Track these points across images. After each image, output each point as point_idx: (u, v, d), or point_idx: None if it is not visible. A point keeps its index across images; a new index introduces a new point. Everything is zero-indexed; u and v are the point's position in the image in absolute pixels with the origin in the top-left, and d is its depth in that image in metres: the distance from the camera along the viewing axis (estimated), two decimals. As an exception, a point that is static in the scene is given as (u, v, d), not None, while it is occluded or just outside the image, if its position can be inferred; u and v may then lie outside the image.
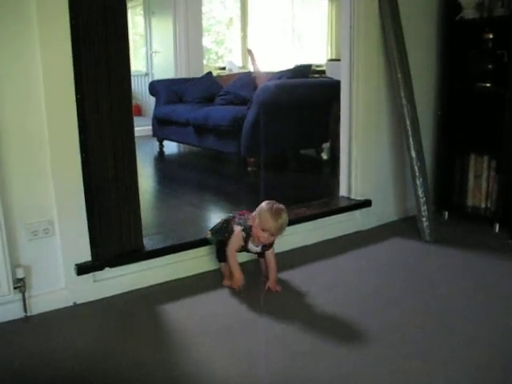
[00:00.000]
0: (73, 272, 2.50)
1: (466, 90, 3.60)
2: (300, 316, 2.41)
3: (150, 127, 6.32)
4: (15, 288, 2.33)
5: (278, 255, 2.72)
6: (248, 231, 2.58)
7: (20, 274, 2.34)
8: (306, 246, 3.23)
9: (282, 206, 2.57)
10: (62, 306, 2.50)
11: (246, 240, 2.60)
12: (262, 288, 2.63)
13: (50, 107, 2.32)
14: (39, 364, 2.08)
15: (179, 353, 2.15)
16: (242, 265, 2.69)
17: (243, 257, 2.79)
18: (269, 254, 2.66)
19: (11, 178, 2.30)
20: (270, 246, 2.64)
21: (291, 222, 3.12)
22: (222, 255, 2.68)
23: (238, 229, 2.61)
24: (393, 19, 3.31)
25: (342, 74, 3.50)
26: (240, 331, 2.27)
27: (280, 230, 2.55)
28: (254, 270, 2.81)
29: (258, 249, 2.63)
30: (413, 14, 3.50)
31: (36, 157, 2.35)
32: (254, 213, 2.58)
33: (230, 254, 2.61)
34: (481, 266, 2.94)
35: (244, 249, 2.64)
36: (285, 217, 2.54)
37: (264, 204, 2.56)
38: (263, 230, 2.51)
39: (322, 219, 3.32)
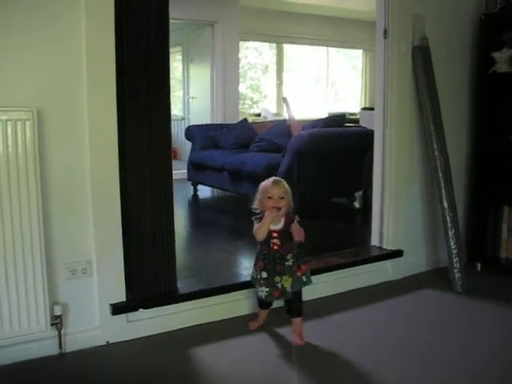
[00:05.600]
0: (107, 312, 2.56)
1: (499, 143, 3.62)
2: (324, 366, 2.42)
3: (185, 171, 6.43)
4: (52, 325, 2.40)
5: (306, 303, 2.73)
6: (260, 217, 2.58)
7: (57, 311, 2.41)
8: (336, 295, 3.23)
9: (278, 178, 2.72)
10: (95, 344, 2.55)
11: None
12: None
13: (94, 154, 2.45)
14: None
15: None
16: (274, 310, 2.72)
17: (276, 303, 2.81)
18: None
19: (54, 217, 2.40)
20: (289, 220, 2.60)
21: (322, 271, 3.17)
22: (260, 303, 2.75)
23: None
24: (426, 72, 3.38)
25: (375, 125, 3.56)
26: (265, 379, 2.28)
27: (284, 193, 2.56)
28: (281, 319, 2.81)
29: (281, 225, 2.58)
30: (446, 67, 3.56)
31: (78, 199, 2.46)
32: (256, 198, 2.63)
33: (257, 228, 2.58)
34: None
35: (268, 234, 2.57)
36: (284, 183, 2.62)
37: (264, 181, 2.66)
38: (269, 198, 2.55)
39: (352, 268, 3.34)
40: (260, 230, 2.56)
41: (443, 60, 3.53)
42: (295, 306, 2.63)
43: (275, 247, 2.59)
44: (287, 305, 2.68)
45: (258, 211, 2.61)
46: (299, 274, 2.61)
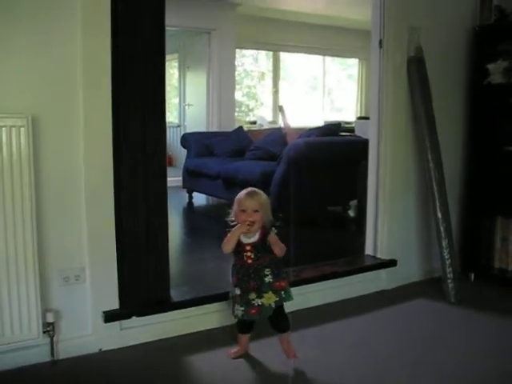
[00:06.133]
0: (100, 319, 2.56)
1: (493, 154, 3.64)
2: (317, 375, 2.42)
3: (181, 178, 6.44)
4: (44, 332, 2.39)
5: (299, 312, 2.73)
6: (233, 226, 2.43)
7: (50, 318, 2.41)
8: (329, 304, 3.23)
9: (255, 188, 2.50)
10: (88, 351, 2.55)
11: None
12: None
13: (88, 161, 2.45)
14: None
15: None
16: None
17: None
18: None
19: (47, 224, 2.40)
20: (266, 231, 2.42)
21: (316, 280, 3.17)
22: (240, 326, 2.56)
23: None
24: (421, 83, 3.40)
25: (370, 134, 3.58)
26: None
27: (259, 206, 2.39)
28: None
29: (255, 238, 2.41)
30: (440, 78, 3.58)
31: (72, 205, 2.46)
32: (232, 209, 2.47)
33: (225, 240, 2.43)
34: (506, 331, 2.92)
35: (240, 248, 2.43)
36: (260, 195, 2.45)
37: (241, 191, 2.49)
38: (242, 211, 2.39)
39: (346, 277, 3.34)
40: (227, 243, 2.41)
41: (438, 71, 3.55)
42: (281, 322, 2.50)
43: (249, 261, 2.42)
44: (271, 320, 2.50)
45: (235, 223, 2.44)
46: (279, 289, 2.44)
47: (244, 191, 2.47)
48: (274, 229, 2.47)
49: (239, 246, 2.43)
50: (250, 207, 2.40)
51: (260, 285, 2.41)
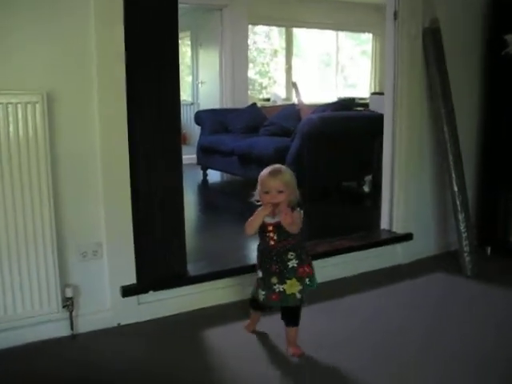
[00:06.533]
0: (118, 294, 2.58)
1: (510, 126, 3.60)
2: (334, 347, 2.44)
3: (195, 155, 6.44)
4: (64, 306, 2.43)
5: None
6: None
7: (69, 293, 2.44)
8: (345, 278, 3.24)
9: (281, 166, 2.31)
10: (106, 326, 2.58)
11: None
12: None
13: (104, 136, 2.46)
14: (84, 380, 2.16)
15: (216, 376, 2.21)
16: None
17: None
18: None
19: (64, 201, 2.42)
20: (288, 217, 2.20)
21: (331, 254, 3.17)
22: (252, 302, 2.48)
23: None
24: (436, 55, 3.35)
25: (385, 108, 3.55)
26: (276, 360, 2.29)
27: (283, 186, 2.21)
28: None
29: (278, 218, 2.22)
30: (457, 49, 3.53)
31: (89, 182, 2.47)
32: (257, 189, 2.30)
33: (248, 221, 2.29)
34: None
35: (263, 228, 2.27)
36: (284, 173, 2.25)
37: (264, 169, 2.30)
38: (266, 193, 2.22)
39: (362, 251, 3.34)
40: (249, 225, 2.26)
41: (454, 41, 3.49)
42: (293, 314, 2.32)
43: (271, 242, 2.27)
44: (284, 311, 2.34)
45: (259, 203, 2.28)
46: (304, 275, 2.29)
47: (267, 170, 2.26)
48: (299, 209, 2.26)
49: (262, 226, 2.27)
50: (274, 188, 2.20)
51: (283, 269, 2.25)
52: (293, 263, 2.26)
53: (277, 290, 2.26)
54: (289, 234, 2.25)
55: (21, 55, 2.27)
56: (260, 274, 2.32)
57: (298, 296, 2.27)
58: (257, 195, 2.29)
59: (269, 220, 2.26)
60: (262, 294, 2.30)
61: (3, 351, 2.33)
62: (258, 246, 2.35)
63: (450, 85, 3.40)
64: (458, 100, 3.47)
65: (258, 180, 2.27)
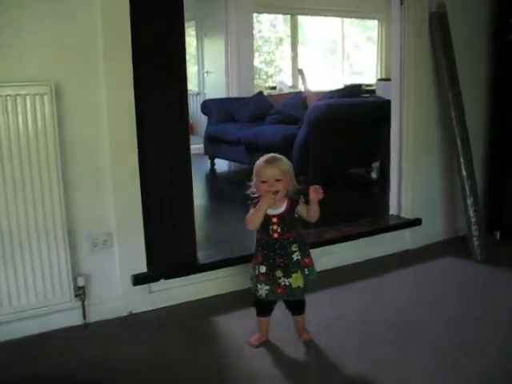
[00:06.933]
0: (129, 282, 2.61)
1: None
2: (349, 328, 2.46)
3: (202, 145, 6.43)
4: (76, 296, 2.45)
5: (325, 272, 2.74)
6: (256, 202, 2.18)
7: (81, 282, 2.46)
8: (354, 264, 3.25)
9: (276, 154, 2.22)
10: (118, 314, 2.61)
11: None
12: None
13: (112, 127, 2.47)
14: (97, 369, 2.19)
15: (228, 362, 2.24)
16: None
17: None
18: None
19: (75, 192, 2.44)
20: (293, 202, 2.20)
21: (340, 240, 3.18)
22: (259, 308, 2.35)
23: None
24: (443, 40, 3.34)
25: (392, 94, 3.54)
26: (286, 344, 2.31)
27: (280, 174, 2.13)
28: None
29: (282, 208, 2.18)
30: (463, 34, 3.51)
31: (98, 172, 2.49)
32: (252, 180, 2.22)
33: (249, 214, 2.20)
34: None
35: (266, 220, 2.18)
36: (281, 160, 2.17)
37: (259, 159, 2.22)
38: (263, 183, 2.14)
39: (371, 237, 3.35)
40: (253, 217, 2.16)
41: (461, 26, 3.47)
42: (299, 304, 2.31)
43: (275, 235, 2.18)
44: (290, 302, 2.30)
45: (256, 195, 2.20)
46: (305, 266, 2.23)
47: (262, 159, 2.19)
48: (302, 198, 2.23)
49: (265, 219, 2.17)
50: (272, 177, 2.12)
51: (288, 263, 2.18)
52: (297, 255, 2.20)
53: (282, 284, 2.18)
54: (291, 226, 2.20)
55: (27, 47, 2.27)
56: (263, 269, 2.20)
57: (303, 288, 2.22)
58: (253, 187, 2.20)
59: (272, 211, 2.17)
60: (265, 288, 2.19)
61: (17, 341, 2.36)
62: (259, 241, 2.24)
63: (457, 70, 3.38)
64: (465, 85, 3.46)
65: (254, 170, 2.19)
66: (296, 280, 2.18)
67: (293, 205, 2.20)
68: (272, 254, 2.19)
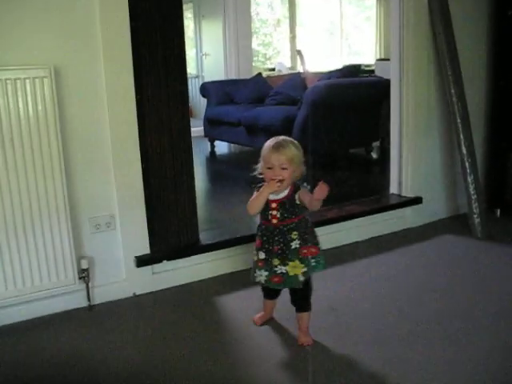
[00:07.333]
0: (132, 264, 2.62)
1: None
2: (345, 309, 2.48)
3: (201, 128, 6.43)
4: (80, 278, 2.47)
5: (327, 251, 2.74)
6: (260, 186, 2.10)
7: (84, 264, 2.48)
8: (357, 243, 3.27)
9: (285, 138, 2.11)
10: (122, 296, 2.63)
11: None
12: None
13: (112, 109, 2.46)
14: (102, 350, 2.21)
15: (232, 340, 2.26)
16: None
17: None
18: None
19: (76, 174, 2.45)
20: (295, 188, 2.11)
21: (342, 219, 3.19)
22: (265, 291, 2.30)
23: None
24: (442, 17, 3.32)
25: (391, 73, 3.53)
26: (292, 324, 2.33)
27: (288, 161, 2.04)
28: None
29: (284, 194, 2.09)
30: (463, 10, 3.49)
31: (99, 155, 2.49)
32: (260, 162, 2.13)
33: (251, 199, 2.12)
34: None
35: (266, 205, 2.10)
36: (288, 147, 2.06)
37: (267, 142, 2.12)
38: (269, 169, 2.06)
39: (372, 216, 3.36)
40: (254, 202, 2.09)
41: (461, 2, 3.45)
42: (302, 297, 2.19)
43: (274, 221, 2.10)
44: (291, 293, 2.21)
45: (262, 177, 2.12)
46: (308, 256, 2.13)
47: (270, 142, 2.08)
48: (306, 184, 2.14)
49: (265, 204, 2.10)
50: (278, 164, 2.03)
51: (285, 250, 2.09)
52: (295, 244, 2.09)
53: (278, 272, 2.10)
54: (292, 213, 2.10)
55: (26, 30, 2.26)
56: (262, 255, 2.13)
57: (301, 278, 2.10)
58: (260, 169, 2.12)
59: (273, 196, 2.09)
60: (264, 275, 2.13)
61: (23, 323, 2.38)
62: (259, 226, 2.18)
63: (457, 46, 3.37)
64: (466, 62, 3.45)
65: (261, 153, 2.10)
66: (293, 268, 2.09)
67: (295, 191, 2.10)
68: (271, 240, 2.11)
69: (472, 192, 3.36)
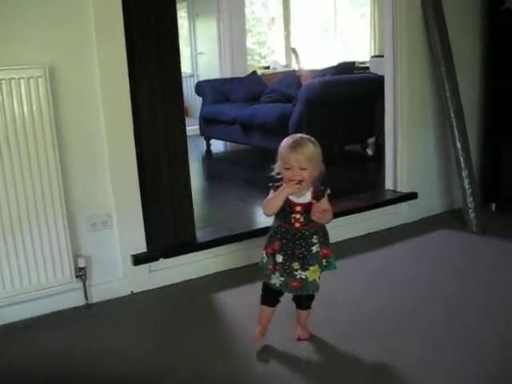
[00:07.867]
0: (129, 262, 2.63)
1: (511, 82, 3.59)
2: (343, 304, 2.50)
3: (197, 127, 6.44)
4: (77, 276, 2.48)
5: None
6: (278, 186, 2.00)
7: (81, 263, 2.48)
8: (353, 238, 3.28)
9: (302, 136, 2.01)
10: (120, 294, 2.64)
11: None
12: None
13: (107, 107, 2.47)
14: (101, 349, 2.21)
15: (230, 337, 2.27)
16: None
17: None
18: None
19: (73, 173, 2.45)
20: (318, 193, 2.02)
21: (338, 215, 3.18)
22: (265, 296, 2.17)
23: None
24: (435, 12, 3.33)
25: (385, 69, 3.54)
26: (287, 317, 2.34)
27: (307, 161, 1.94)
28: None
29: (307, 198, 2.00)
30: (456, 5, 3.50)
31: (95, 154, 2.50)
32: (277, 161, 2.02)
33: (268, 199, 2.03)
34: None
35: (289, 208, 2.00)
36: (306, 146, 1.95)
37: (284, 140, 2.02)
38: (287, 169, 1.95)
39: (368, 212, 3.37)
40: (272, 202, 1.99)
41: (453, -1, 3.47)
42: (307, 298, 2.15)
43: (297, 224, 2.00)
44: (298, 295, 2.15)
45: (280, 177, 2.01)
46: (322, 258, 2.07)
47: (287, 141, 1.98)
48: (328, 190, 2.05)
49: (288, 206, 1.99)
50: (296, 164, 1.93)
51: (306, 255, 2.02)
52: (316, 248, 2.03)
53: (298, 277, 2.03)
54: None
55: (21, 30, 2.27)
56: (280, 258, 2.03)
57: (318, 282, 2.08)
58: (277, 168, 2.01)
59: (296, 199, 2.00)
60: (280, 279, 2.04)
61: (20, 323, 2.39)
62: (277, 227, 2.05)
63: (450, 41, 3.39)
64: (459, 57, 3.47)
65: (279, 153, 1.99)
66: (313, 273, 2.04)
67: (317, 197, 2.00)
68: (291, 244, 2.02)
69: (467, 187, 3.38)
